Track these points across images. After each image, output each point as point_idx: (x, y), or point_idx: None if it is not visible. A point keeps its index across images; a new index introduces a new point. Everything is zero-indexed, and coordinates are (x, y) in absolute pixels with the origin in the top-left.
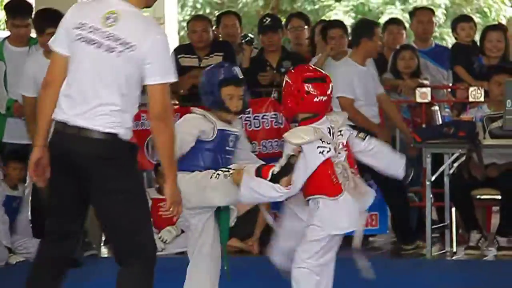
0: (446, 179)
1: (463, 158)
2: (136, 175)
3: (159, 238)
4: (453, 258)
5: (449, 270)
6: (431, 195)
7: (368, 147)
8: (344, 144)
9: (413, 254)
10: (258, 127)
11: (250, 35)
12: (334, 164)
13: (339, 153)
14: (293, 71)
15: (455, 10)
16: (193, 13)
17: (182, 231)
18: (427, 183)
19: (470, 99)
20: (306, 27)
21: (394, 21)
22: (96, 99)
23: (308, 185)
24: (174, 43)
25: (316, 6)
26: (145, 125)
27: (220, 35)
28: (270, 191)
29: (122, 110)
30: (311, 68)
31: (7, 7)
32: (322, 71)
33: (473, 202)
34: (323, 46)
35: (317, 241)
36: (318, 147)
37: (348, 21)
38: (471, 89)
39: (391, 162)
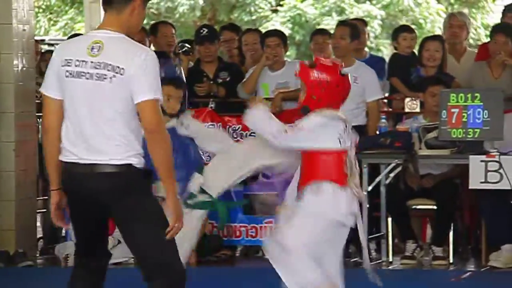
0: (382, 189)
1: (400, 168)
2: (154, 199)
3: None
4: (389, 267)
5: (385, 280)
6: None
7: None
8: (354, 141)
9: (348, 263)
10: None
11: (187, 45)
12: (347, 156)
13: (351, 149)
14: (323, 64)
15: (391, 22)
16: None
17: (119, 242)
18: (364, 193)
19: (406, 110)
20: (237, 38)
21: (321, 32)
22: (100, 132)
23: (315, 168)
24: None
25: (253, 17)
26: None
27: (152, 45)
28: (272, 128)
29: (129, 138)
30: (331, 61)
31: None
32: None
33: (408, 212)
34: (261, 55)
35: (312, 228)
36: (339, 133)
37: (285, 32)
38: (406, 99)
39: None
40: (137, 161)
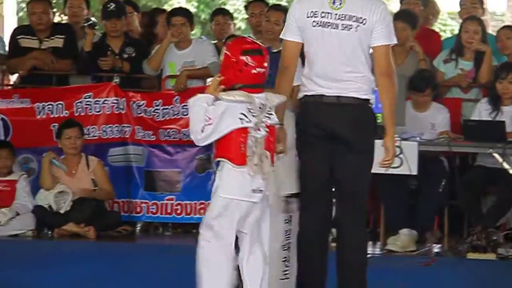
0: None
1: None
2: (374, 138)
3: None
4: None
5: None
6: None
7: None
8: (269, 125)
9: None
10: (99, 111)
11: (93, 18)
12: (248, 135)
13: (258, 129)
14: (231, 43)
15: None
16: None
17: (17, 213)
18: None
19: None
20: (136, 13)
21: (222, 12)
22: (344, 72)
23: (219, 146)
24: (12, 24)
25: None
26: None
27: (62, 16)
28: (193, 127)
29: (367, 77)
30: (249, 40)
31: None
32: (260, 43)
33: None
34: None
35: (213, 207)
36: (241, 113)
37: (191, 10)
38: None
39: None
40: (372, 100)
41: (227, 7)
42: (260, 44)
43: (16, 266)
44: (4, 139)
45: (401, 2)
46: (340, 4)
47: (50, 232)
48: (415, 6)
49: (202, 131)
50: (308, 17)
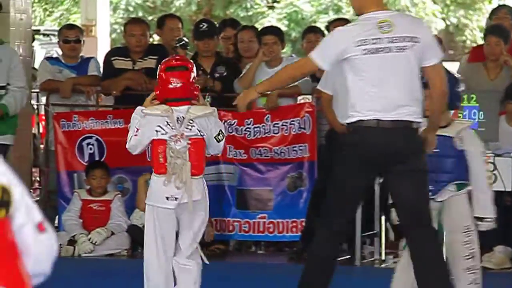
0: (376, 188)
1: None
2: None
3: (89, 240)
4: (382, 266)
5: (377, 278)
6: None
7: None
8: (190, 137)
9: (341, 261)
10: None
11: (185, 39)
12: (168, 147)
13: (178, 141)
14: (162, 62)
15: None
16: (125, 16)
17: (112, 233)
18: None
19: None
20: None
21: (313, 30)
22: (397, 94)
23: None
24: (105, 45)
25: (249, 13)
26: (76, 126)
27: (156, 38)
28: (129, 135)
29: (419, 99)
30: (177, 58)
31: None
32: (183, 60)
33: None
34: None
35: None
36: (157, 125)
37: (282, 29)
38: None
39: None
40: (422, 122)
41: (317, 24)
42: (184, 61)
43: (112, 285)
44: (99, 159)
45: (490, 18)
46: (389, 28)
47: None
48: (505, 20)
49: (130, 141)
50: (357, 46)
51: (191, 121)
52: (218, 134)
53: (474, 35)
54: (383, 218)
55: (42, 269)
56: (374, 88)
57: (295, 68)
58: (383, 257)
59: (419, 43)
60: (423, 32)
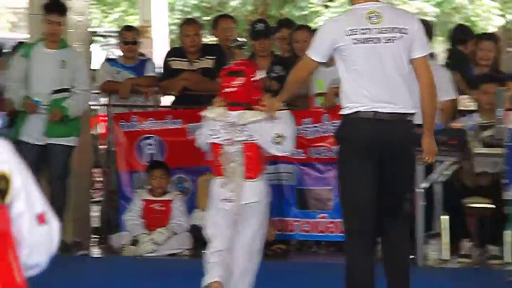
0: (437, 187)
1: (455, 166)
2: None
3: (151, 240)
4: (444, 266)
5: (440, 278)
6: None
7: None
8: (244, 141)
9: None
10: None
11: (241, 39)
12: (222, 151)
13: (232, 145)
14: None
15: (444, 19)
16: (181, 16)
17: (175, 233)
18: (418, 190)
19: (460, 107)
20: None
21: None
22: (388, 85)
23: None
24: (164, 46)
25: (304, 12)
26: (135, 127)
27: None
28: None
29: (411, 90)
30: (235, 63)
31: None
32: (242, 65)
33: (464, 211)
34: None
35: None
36: (211, 129)
37: None
38: (461, 97)
39: None
40: (416, 113)
41: None
42: (240, 67)
43: (174, 284)
44: (160, 159)
45: None
46: (378, 19)
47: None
48: None
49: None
50: (347, 35)
51: (243, 126)
52: (277, 137)
53: None
54: (446, 217)
55: (37, 261)
56: (366, 79)
57: (299, 69)
58: (446, 257)
59: (407, 35)
60: (412, 24)
